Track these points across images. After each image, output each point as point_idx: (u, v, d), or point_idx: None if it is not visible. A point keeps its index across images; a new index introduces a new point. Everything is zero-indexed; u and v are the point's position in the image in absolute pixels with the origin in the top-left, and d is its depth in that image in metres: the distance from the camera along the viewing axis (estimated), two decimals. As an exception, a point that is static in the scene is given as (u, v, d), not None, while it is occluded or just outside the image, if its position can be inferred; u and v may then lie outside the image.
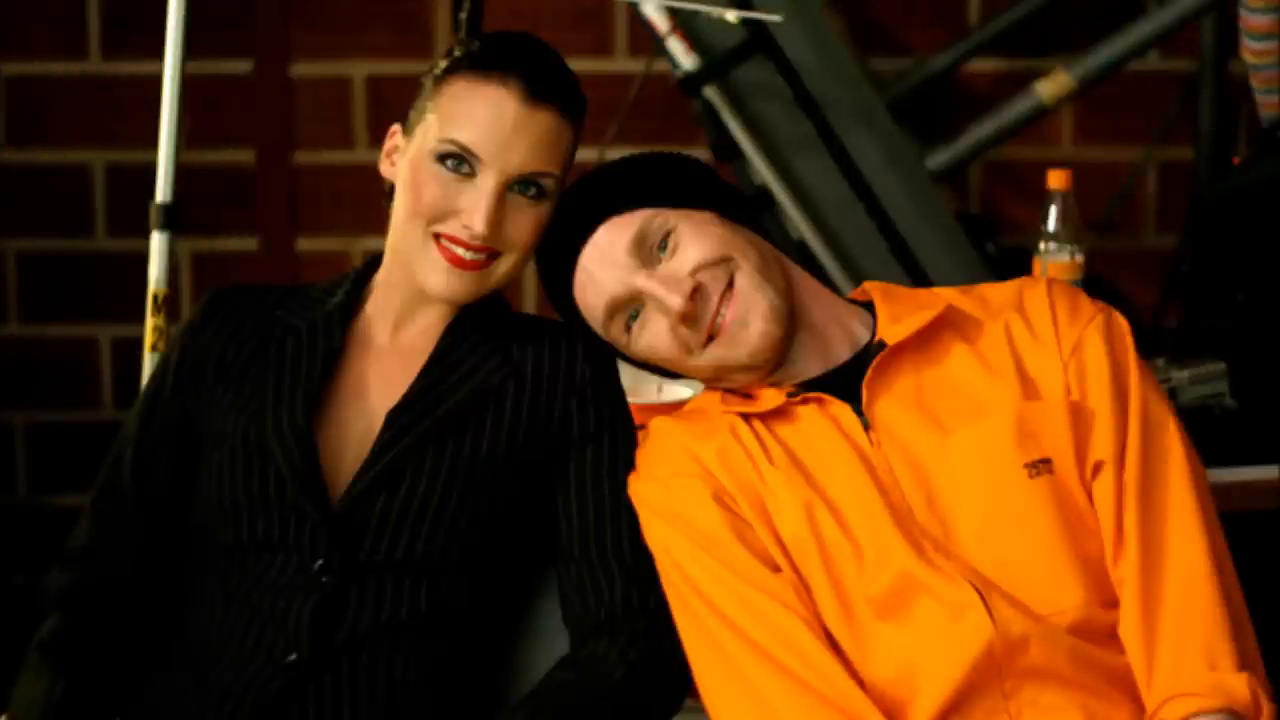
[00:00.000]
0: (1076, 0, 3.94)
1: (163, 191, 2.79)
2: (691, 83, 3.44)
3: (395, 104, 2.13)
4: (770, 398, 2.04)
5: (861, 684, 1.92)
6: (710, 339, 2.04)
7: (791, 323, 2.05)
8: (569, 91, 2.06)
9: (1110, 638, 1.93)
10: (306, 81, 4.08)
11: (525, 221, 2.05)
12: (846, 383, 2.03)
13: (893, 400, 2.01)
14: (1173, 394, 2.66)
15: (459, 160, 2.03)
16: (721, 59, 3.43)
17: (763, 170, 3.47)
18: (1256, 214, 3.07)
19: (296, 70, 4.08)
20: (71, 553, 2.11)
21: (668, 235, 2.05)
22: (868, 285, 2.16)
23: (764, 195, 3.49)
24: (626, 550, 2.02)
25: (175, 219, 2.79)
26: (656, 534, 2.01)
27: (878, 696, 1.91)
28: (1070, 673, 1.90)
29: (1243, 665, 1.89)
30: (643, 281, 2.04)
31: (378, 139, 2.16)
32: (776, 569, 1.96)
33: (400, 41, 4.04)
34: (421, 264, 2.05)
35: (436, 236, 2.04)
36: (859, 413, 2.01)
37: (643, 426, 2.11)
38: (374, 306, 2.13)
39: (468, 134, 2.02)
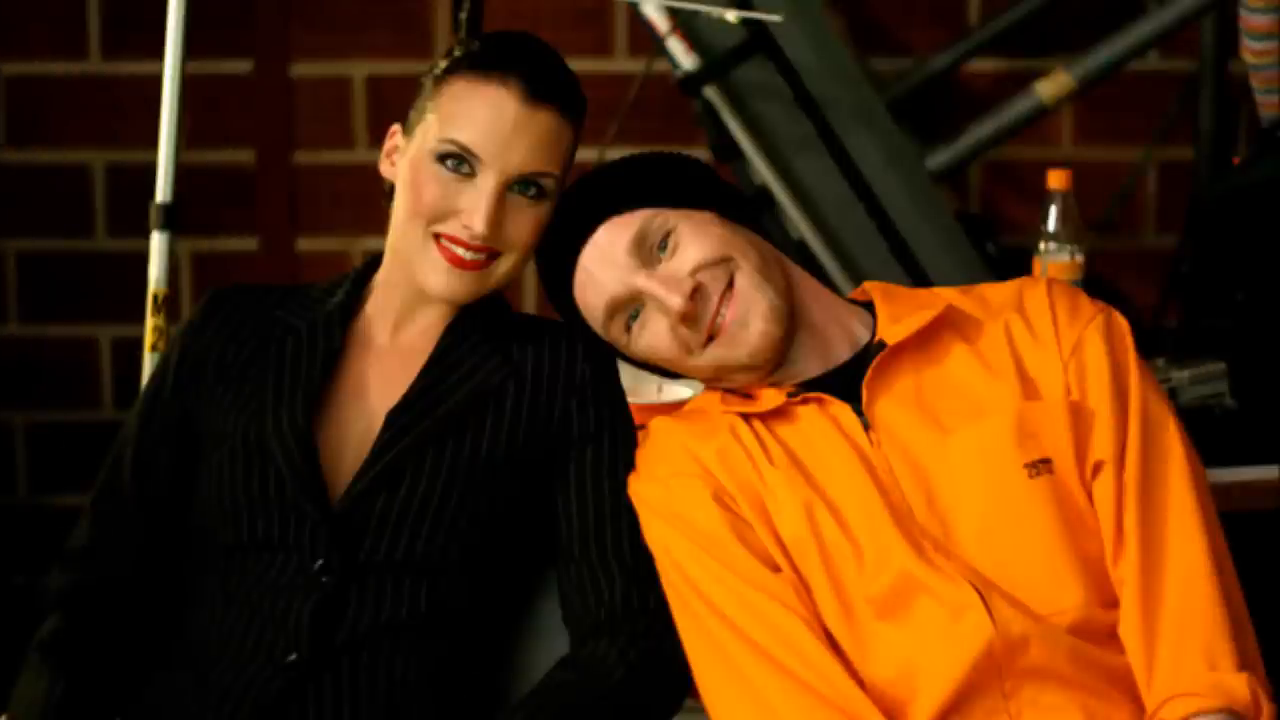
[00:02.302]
0: (1076, 0, 3.94)
1: (163, 191, 2.79)
2: (691, 83, 3.44)
3: (395, 104, 2.13)
4: (770, 398, 2.04)
5: (861, 684, 1.92)
6: (710, 339, 2.04)
7: (791, 323, 2.05)
8: (569, 91, 2.06)
9: (1110, 638, 1.93)
10: (306, 81, 4.08)
11: (525, 221, 2.05)
12: (846, 383, 2.03)
13: (893, 400, 2.01)
14: (1173, 394, 2.66)
15: (459, 160, 2.03)
16: (721, 59, 3.43)
17: (763, 170, 3.47)
18: (1256, 214, 3.07)
19: (296, 70, 4.08)
20: (71, 553, 2.11)
21: (668, 235, 2.05)
22: (868, 285, 2.16)
23: (764, 195, 3.49)
24: (626, 550, 2.02)
25: (175, 219, 2.79)
26: (656, 534, 2.01)
27: (878, 696, 1.91)
28: (1070, 673, 1.90)
29: (1243, 665, 1.89)
30: (643, 281, 2.04)
31: (378, 139, 2.16)
32: (776, 569, 1.96)
33: (400, 41, 4.04)
34: (421, 264, 2.05)
35: (436, 236, 2.04)
36: (859, 413, 2.01)
37: (643, 426, 2.11)
38: (374, 306, 2.13)
39: (468, 134, 2.02)
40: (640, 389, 2.35)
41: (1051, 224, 2.71)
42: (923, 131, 3.79)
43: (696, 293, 2.02)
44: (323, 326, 2.10)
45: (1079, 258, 2.71)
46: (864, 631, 1.94)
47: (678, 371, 2.11)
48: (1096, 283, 2.79)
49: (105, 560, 2.10)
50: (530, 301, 3.97)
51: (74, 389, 4.14)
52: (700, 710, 1.99)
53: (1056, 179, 2.72)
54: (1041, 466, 1.96)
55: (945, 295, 2.09)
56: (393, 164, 2.10)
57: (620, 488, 2.05)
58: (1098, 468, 1.97)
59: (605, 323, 2.07)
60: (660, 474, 2.03)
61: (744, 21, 3.22)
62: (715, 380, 2.09)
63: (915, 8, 4.06)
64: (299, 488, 2.01)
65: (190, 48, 2.80)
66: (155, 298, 2.77)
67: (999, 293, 2.09)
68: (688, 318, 2.02)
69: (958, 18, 4.04)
